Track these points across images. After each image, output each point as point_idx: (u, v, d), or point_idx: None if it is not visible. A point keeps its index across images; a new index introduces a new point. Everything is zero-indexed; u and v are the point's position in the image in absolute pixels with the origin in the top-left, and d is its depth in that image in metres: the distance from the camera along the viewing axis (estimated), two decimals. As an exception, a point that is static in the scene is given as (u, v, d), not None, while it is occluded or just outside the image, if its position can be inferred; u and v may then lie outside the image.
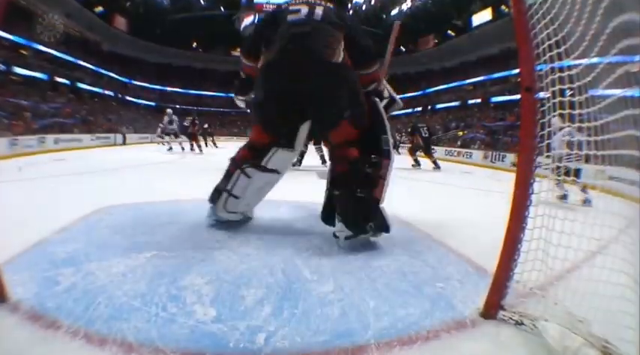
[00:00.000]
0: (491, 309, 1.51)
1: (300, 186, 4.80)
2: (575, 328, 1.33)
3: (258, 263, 2.04)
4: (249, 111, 3.07)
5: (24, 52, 23.80)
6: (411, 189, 6.07)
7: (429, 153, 10.40)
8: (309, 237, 2.50)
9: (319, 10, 2.51)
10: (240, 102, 3.06)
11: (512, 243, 1.48)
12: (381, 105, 2.75)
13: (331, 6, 2.60)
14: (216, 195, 2.62)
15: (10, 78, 21.09)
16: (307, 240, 2.42)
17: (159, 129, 13.77)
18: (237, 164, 2.60)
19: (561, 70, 1.46)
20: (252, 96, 2.78)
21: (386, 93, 2.91)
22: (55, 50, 26.53)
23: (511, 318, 1.48)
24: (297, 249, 2.26)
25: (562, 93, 1.47)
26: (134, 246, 2.22)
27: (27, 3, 24.31)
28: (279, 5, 2.89)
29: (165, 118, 13.44)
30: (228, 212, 2.62)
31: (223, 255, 2.14)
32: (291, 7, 2.57)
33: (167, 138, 13.64)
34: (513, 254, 1.49)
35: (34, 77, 23.38)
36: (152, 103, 37.13)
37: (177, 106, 31.54)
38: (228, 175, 2.61)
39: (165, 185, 5.32)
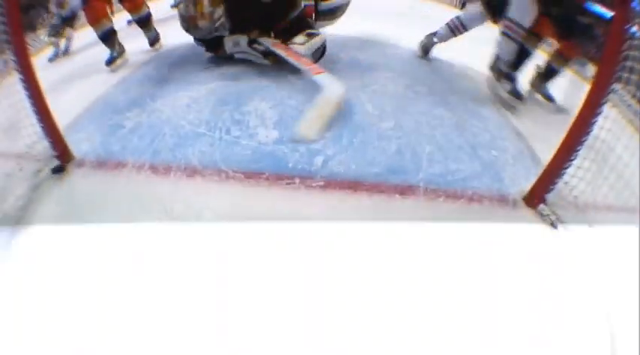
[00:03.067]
0: (535, 199, 1.44)
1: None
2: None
3: None
4: None
5: None
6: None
7: None
8: (376, 73, 2.39)
9: None
10: None
11: (572, 141, 1.34)
12: None
13: None
14: None
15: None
16: (374, 77, 2.33)
17: None
18: None
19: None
20: None
21: None
22: None
23: (548, 216, 1.40)
24: (363, 83, 2.19)
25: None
26: (196, 79, 2.22)
27: None
28: None
29: None
30: None
31: (288, 81, 2.12)
32: None
33: None
34: (571, 153, 1.35)
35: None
36: None
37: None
38: None
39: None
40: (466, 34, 2.67)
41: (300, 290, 1.09)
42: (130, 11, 2.93)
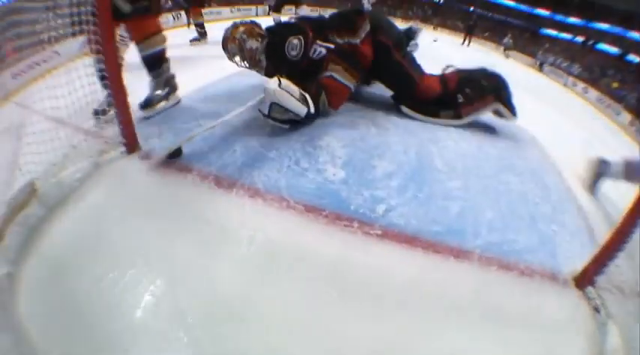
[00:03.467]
0: (585, 280, 1.38)
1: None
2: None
3: (395, 139, 2.05)
4: None
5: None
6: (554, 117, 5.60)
7: None
8: (449, 129, 2.41)
9: None
10: None
11: (629, 222, 1.27)
12: None
13: None
14: None
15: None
16: (447, 132, 2.35)
17: None
18: None
19: None
20: None
21: None
22: None
23: (594, 299, 1.35)
24: (435, 136, 2.22)
25: None
26: None
27: None
28: None
29: None
30: None
31: (363, 124, 2.17)
32: None
33: None
34: (627, 234, 1.28)
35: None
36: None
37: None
38: None
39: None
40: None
41: (333, 337, 1.07)
42: (134, 40, 2.10)
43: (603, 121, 9.31)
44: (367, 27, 2.33)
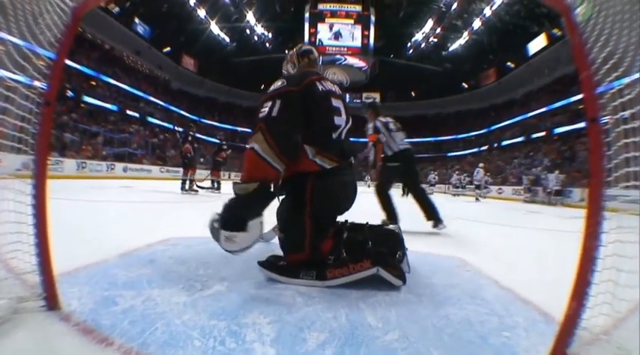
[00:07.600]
0: None
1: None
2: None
3: (322, 305, 2.01)
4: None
5: (93, 83, 24.45)
6: (476, 229, 5.93)
7: None
8: (375, 281, 2.36)
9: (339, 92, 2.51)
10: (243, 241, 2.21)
11: (580, 289, 1.37)
12: None
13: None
14: None
15: (80, 105, 20.71)
16: (373, 285, 2.32)
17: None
18: None
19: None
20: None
21: None
22: (126, 84, 27.77)
23: None
24: (362, 293, 2.20)
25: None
26: (198, 279, 2.24)
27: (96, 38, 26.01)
28: (317, 75, 2.42)
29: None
30: None
31: (288, 296, 2.12)
32: (329, 87, 2.41)
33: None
34: (582, 300, 1.36)
35: (103, 107, 23.65)
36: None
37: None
38: None
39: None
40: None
41: None
42: None
43: (519, 206, 10.09)
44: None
